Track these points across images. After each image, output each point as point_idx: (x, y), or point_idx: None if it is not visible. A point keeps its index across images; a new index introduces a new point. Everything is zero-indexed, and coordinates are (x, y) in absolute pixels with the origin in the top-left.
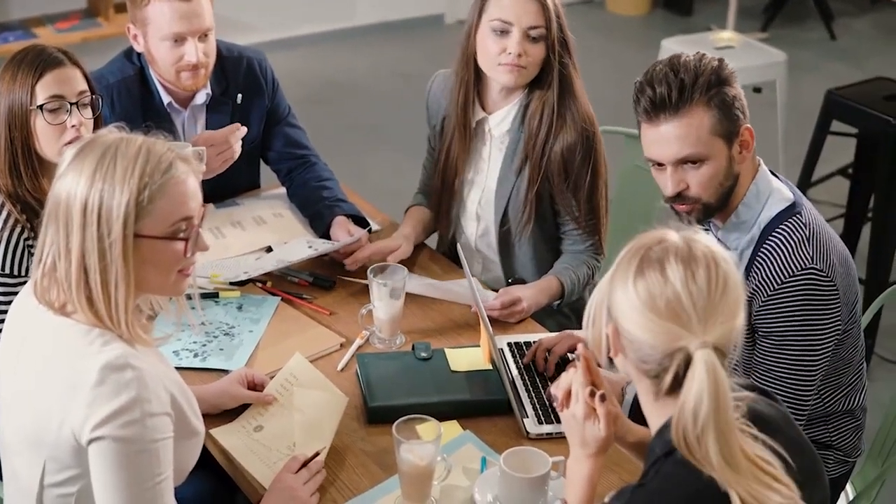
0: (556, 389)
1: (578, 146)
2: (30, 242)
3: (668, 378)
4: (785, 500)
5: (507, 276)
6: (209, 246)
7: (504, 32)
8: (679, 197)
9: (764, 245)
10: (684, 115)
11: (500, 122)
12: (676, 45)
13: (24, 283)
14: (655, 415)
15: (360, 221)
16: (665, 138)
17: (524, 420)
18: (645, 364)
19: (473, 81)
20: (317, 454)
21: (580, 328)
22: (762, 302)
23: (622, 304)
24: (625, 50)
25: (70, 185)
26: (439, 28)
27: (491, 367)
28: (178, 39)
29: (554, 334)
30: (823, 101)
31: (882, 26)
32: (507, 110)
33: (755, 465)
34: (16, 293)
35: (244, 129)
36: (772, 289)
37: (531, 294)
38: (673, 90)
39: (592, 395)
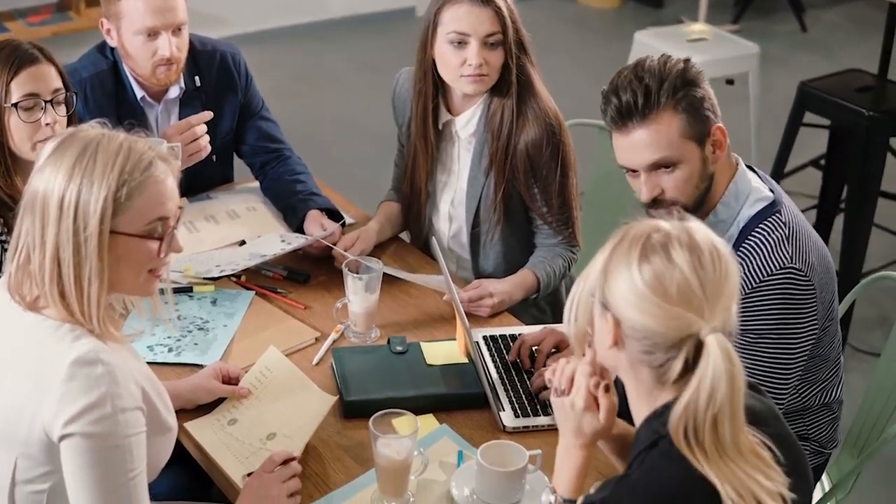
0: (557, 377)
1: (544, 141)
2: (3, 238)
3: (678, 365)
4: (776, 485)
5: (477, 276)
6: (183, 248)
7: (462, 43)
8: (655, 202)
9: (743, 244)
10: (652, 120)
11: (465, 124)
12: (649, 38)
13: None
14: (644, 405)
15: (334, 215)
16: (635, 145)
17: (500, 414)
18: (650, 354)
19: (433, 90)
20: (293, 458)
21: (556, 321)
22: (740, 300)
23: (625, 294)
24: (596, 43)
25: (48, 179)
26: (411, 21)
27: (467, 361)
28: (152, 34)
29: (535, 330)
30: (796, 93)
31: (853, 18)
32: (472, 112)
33: (753, 452)
34: None
35: (209, 114)
36: (750, 287)
37: (504, 288)
38: (639, 96)
39: (597, 385)
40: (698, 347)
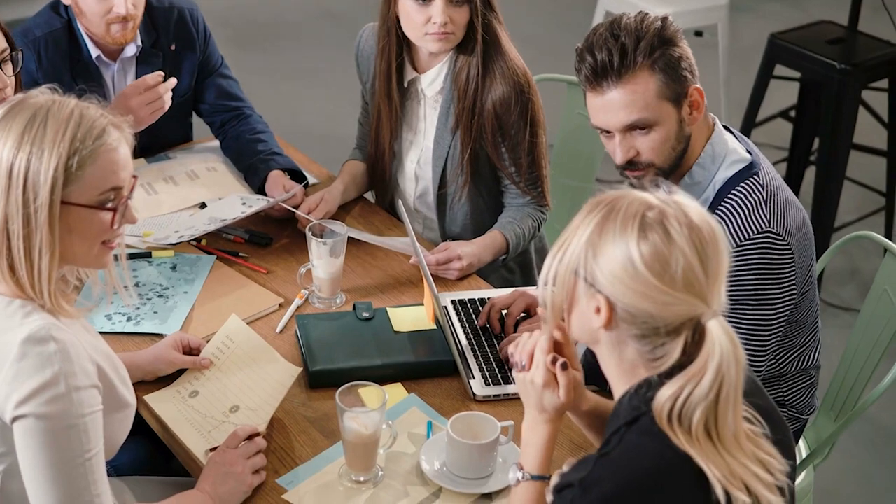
0: (518, 352)
1: (513, 100)
2: None
3: (676, 350)
4: (775, 472)
5: (444, 237)
6: (137, 219)
7: (426, 1)
8: (630, 164)
9: (719, 206)
10: (628, 80)
11: (431, 82)
12: None
13: None
14: (625, 382)
15: (297, 175)
16: (610, 105)
17: (470, 382)
18: (643, 339)
19: (397, 48)
20: (258, 433)
21: (525, 283)
22: None
23: (622, 277)
24: None
25: None
26: None
27: (435, 327)
28: None
29: (505, 293)
30: (767, 45)
31: None
32: (438, 69)
33: (749, 439)
34: None
35: (174, 81)
36: None
37: (473, 251)
38: (614, 55)
39: (554, 361)
40: (695, 329)
